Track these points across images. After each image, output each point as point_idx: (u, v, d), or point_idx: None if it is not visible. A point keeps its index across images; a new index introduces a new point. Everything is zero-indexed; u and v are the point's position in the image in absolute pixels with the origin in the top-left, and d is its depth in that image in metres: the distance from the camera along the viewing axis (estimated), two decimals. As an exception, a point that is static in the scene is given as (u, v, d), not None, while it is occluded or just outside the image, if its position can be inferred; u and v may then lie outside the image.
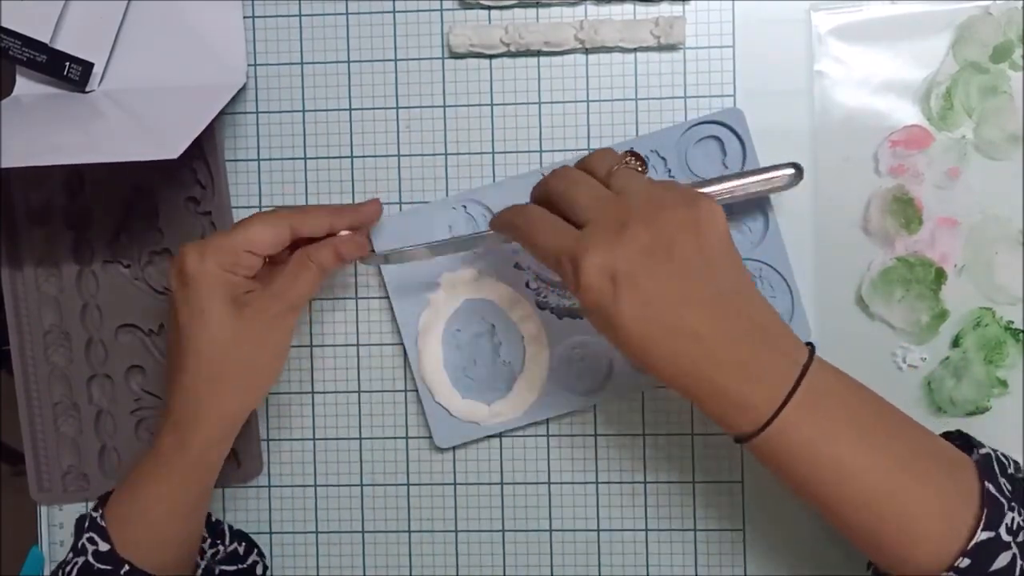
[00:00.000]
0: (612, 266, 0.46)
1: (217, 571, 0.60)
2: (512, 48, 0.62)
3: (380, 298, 0.64)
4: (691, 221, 0.47)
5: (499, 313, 0.62)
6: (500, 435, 0.63)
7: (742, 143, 0.60)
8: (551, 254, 0.48)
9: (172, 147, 0.53)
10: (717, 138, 0.61)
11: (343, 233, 0.57)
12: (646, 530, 0.63)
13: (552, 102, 0.63)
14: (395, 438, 0.64)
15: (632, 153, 0.53)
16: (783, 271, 0.61)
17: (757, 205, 0.61)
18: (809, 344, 0.49)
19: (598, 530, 0.63)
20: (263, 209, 0.64)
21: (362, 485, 0.65)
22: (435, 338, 0.62)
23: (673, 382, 0.47)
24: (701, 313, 0.46)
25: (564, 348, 0.62)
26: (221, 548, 0.61)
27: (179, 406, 0.53)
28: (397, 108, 0.63)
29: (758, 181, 0.57)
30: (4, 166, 0.54)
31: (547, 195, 0.51)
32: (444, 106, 0.63)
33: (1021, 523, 0.46)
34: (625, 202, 0.48)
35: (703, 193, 0.50)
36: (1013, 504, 0.46)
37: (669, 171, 0.61)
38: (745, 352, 0.46)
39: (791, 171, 0.58)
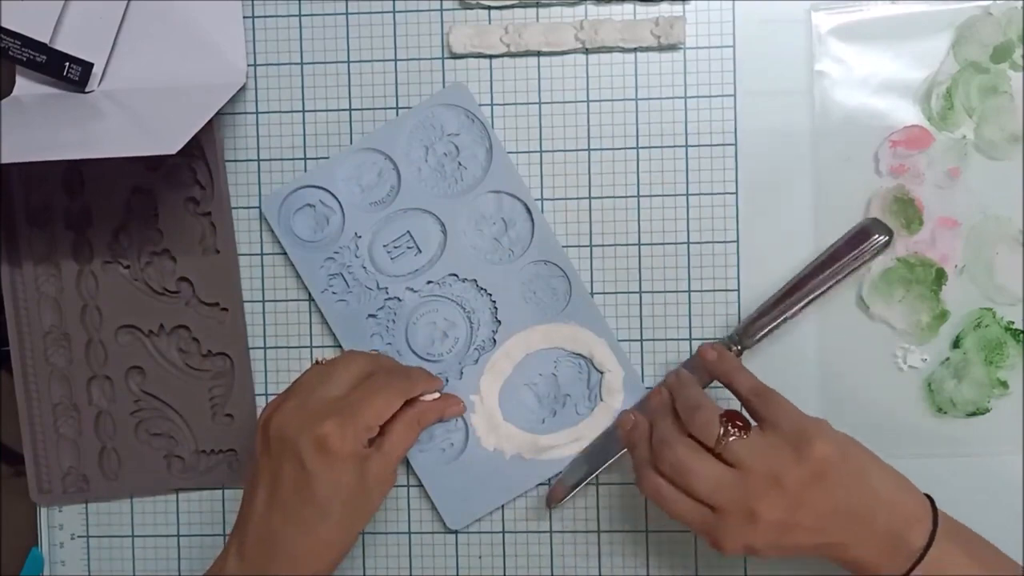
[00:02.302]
0: (751, 547, 0.51)
1: None
2: (512, 48, 0.62)
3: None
4: (813, 475, 0.51)
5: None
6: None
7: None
8: (688, 526, 0.53)
9: (171, 143, 0.53)
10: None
11: (433, 396, 0.60)
12: (646, 531, 0.63)
13: (552, 102, 0.63)
14: (395, 439, 0.64)
15: (730, 415, 0.53)
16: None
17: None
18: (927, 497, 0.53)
19: (598, 531, 0.63)
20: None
21: (362, 486, 0.65)
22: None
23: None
24: (838, 524, 0.51)
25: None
26: None
27: (277, 551, 0.54)
28: (397, 108, 0.63)
29: (853, 258, 0.59)
30: (4, 162, 0.54)
31: (661, 464, 0.53)
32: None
33: None
34: (746, 482, 0.51)
35: (812, 425, 0.52)
36: None
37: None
38: (878, 542, 0.51)
39: (885, 239, 0.59)
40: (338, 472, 0.53)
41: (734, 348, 0.59)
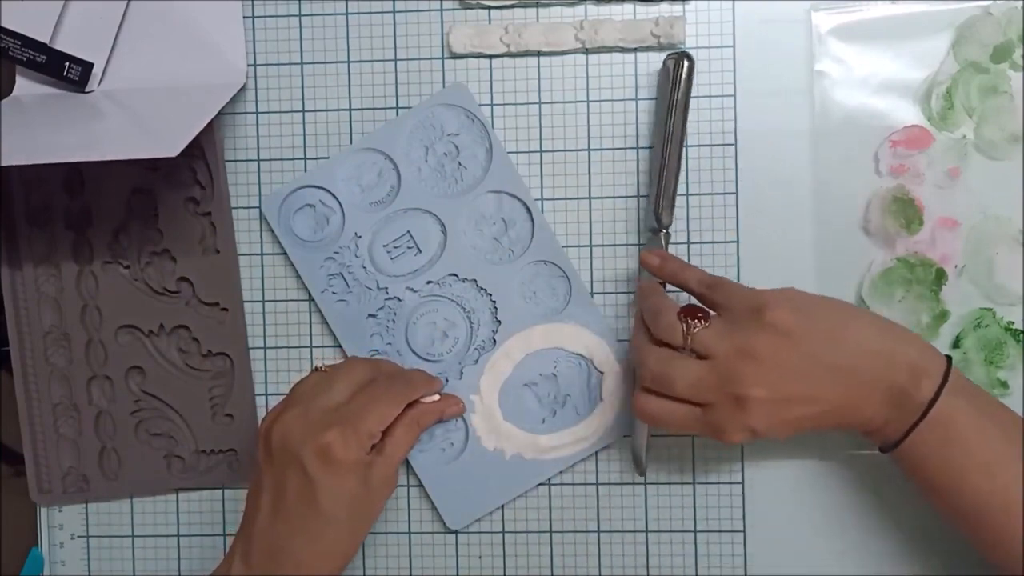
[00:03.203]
0: (754, 430, 0.51)
1: None
2: (512, 48, 0.62)
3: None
4: (778, 338, 0.51)
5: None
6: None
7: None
8: (689, 431, 0.55)
9: (171, 145, 0.53)
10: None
11: (433, 397, 0.61)
12: (646, 531, 0.63)
13: (552, 102, 0.63)
14: (395, 439, 0.64)
15: (687, 310, 0.54)
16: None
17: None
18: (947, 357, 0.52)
19: (598, 531, 0.63)
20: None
21: (362, 486, 0.65)
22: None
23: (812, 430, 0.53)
24: (826, 384, 0.51)
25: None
26: None
27: (282, 560, 0.54)
28: (397, 108, 0.63)
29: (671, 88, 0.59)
30: (4, 164, 0.54)
31: (643, 380, 0.55)
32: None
33: None
34: (720, 368, 0.52)
35: (765, 294, 0.53)
36: None
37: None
38: (879, 397, 0.51)
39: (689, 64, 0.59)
40: (342, 480, 0.54)
41: (662, 234, 0.60)
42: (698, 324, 0.52)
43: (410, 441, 0.58)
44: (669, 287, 0.58)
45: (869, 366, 0.51)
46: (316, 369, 0.59)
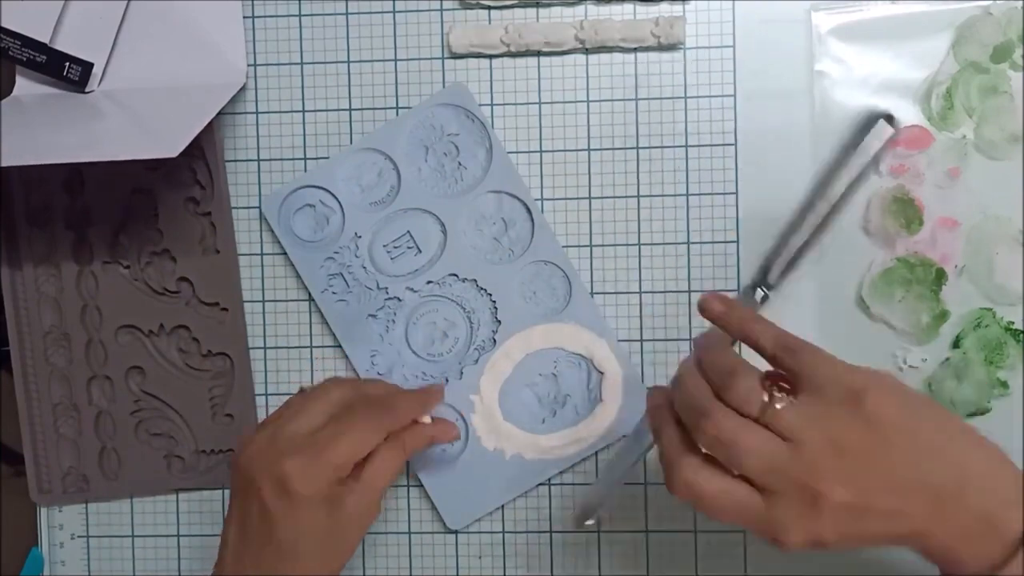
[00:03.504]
0: (819, 539, 0.43)
1: None
2: (512, 48, 0.62)
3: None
4: (875, 437, 0.42)
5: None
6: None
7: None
8: (738, 520, 0.44)
9: (172, 145, 0.53)
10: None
11: (425, 420, 0.57)
12: (646, 531, 0.63)
13: (552, 102, 0.63)
14: (395, 439, 0.64)
15: (774, 378, 0.45)
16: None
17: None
18: None
19: (598, 531, 0.63)
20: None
21: (362, 486, 0.65)
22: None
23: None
24: (917, 501, 0.43)
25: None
26: None
27: None
28: (397, 108, 0.63)
29: (861, 149, 0.47)
30: (4, 164, 0.54)
31: (700, 438, 0.45)
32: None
33: None
34: (803, 456, 0.42)
35: (865, 375, 0.44)
36: None
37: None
38: (965, 526, 0.43)
39: (890, 131, 0.47)
40: (301, 514, 0.50)
41: (760, 293, 0.49)
42: (783, 397, 0.43)
43: (393, 467, 0.54)
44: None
45: (973, 492, 0.42)
46: (301, 389, 0.57)
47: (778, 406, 0.43)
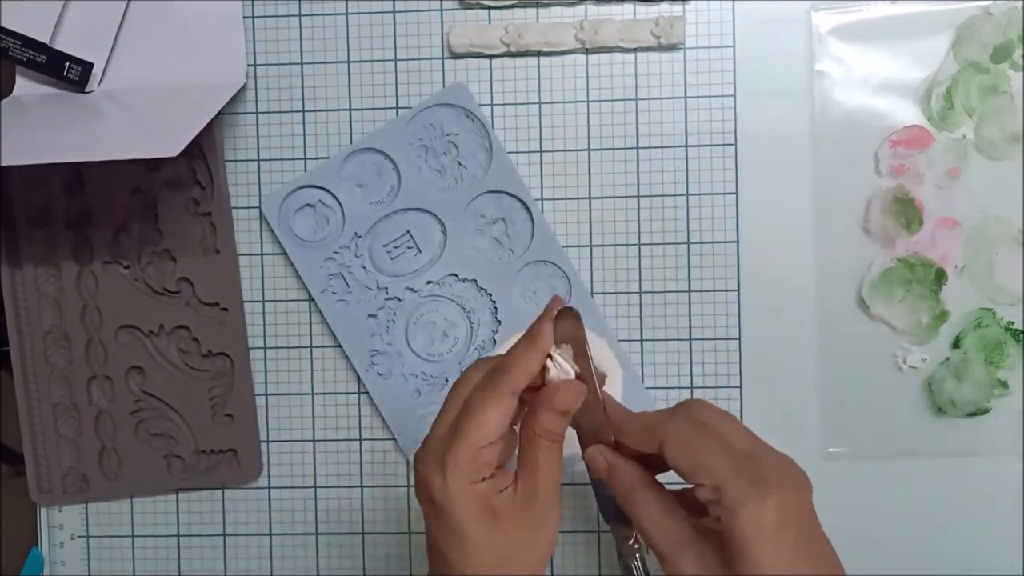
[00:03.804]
0: (795, 514, 0.43)
1: None
2: (512, 48, 0.62)
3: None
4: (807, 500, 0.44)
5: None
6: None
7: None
8: (720, 471, 0.43)
9: (171, 145, 0.53)
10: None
11: (551, 378, 0.46)
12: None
13: (552, 102, 0.63)
14: (395, 439, 0.64)
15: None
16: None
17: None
18: None
19: (599, 531, 0.63)
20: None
21: (362, 486, 0.65)
22: None
23: None
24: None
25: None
26: None
27: None
28: (397, 108, 0.63)
29: None
30: (4, 164, 0.54)
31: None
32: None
33: None
34: (775, 457, 0.45)
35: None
36: None
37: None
38: None
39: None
40: (461, 525, 0.43)
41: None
42: None
43: (548, 463, 0.45)
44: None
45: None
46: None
47: None
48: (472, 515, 0.43)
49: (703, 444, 0.43)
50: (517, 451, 0.46)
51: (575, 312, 0.47)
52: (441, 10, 0.63)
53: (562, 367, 0.46)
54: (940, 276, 0.60)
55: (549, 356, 0.45)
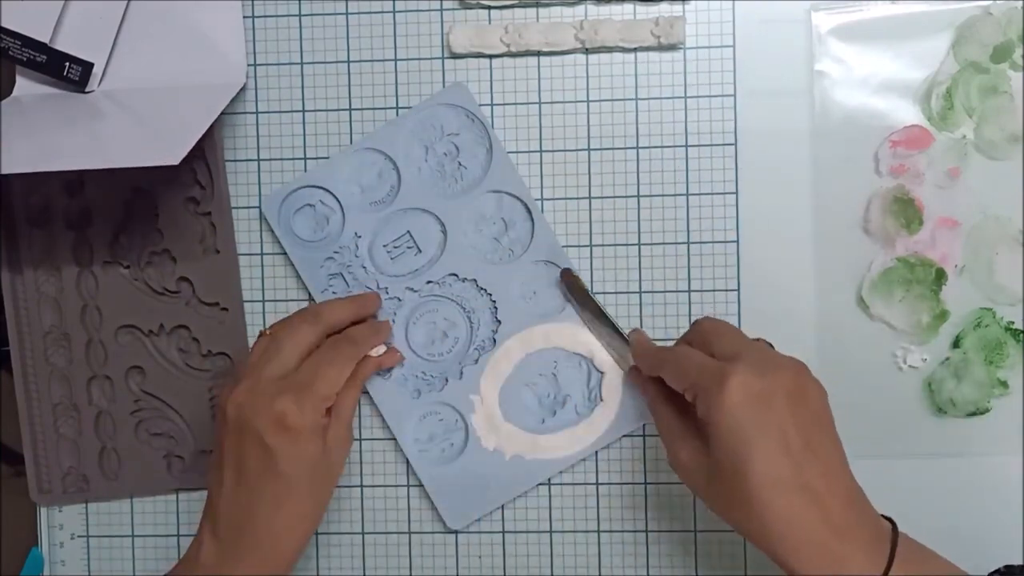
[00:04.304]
0: (758, 388, 0.48)
1: None
2: (512, 48, 0.62)
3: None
4: (813, 386, 0.51)
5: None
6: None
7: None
8: (692, 375, 0.51)
9: (173, 152, 0.53)
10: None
11: (379, 351, 0.62)
12: (646, 531, 0.63)
13: (552, 102, 0.63)
14: (395, 439, 0.64)
15: None
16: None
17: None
18: (887, 519, 0.51)
19: (598, 531, 0.63)
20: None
21: (362, 486, 0.65)
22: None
23: (782, 541, 0.48)
24: (821, 470, 0.48)
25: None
26: None
27: (249, 529, 0.55)
28: (397, 108, 0.63)
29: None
30: (4, 172, 0.54)
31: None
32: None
33: None
34: (766, 351, 0.52)
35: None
36: None
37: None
38: (852, 517, 0.48)
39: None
40: (300, 446, 0.54)
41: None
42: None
43: (355, 397, 0.59)
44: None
45: (855, 489, 0.50)
46: (262, 333, 0.59)
47: None
48: (317, 437, 0.55)
49: (687, 356, 0.52)
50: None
51: (577, 280, 0.62)
52: (441, 10, 0.63)
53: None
54: (940, 276, 0.60)
55: None
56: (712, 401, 0.48)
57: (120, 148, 0.58)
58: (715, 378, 0.49)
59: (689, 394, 0.51)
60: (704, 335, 0.53)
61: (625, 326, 0.63)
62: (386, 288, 0.63)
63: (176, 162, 0.53)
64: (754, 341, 0.53)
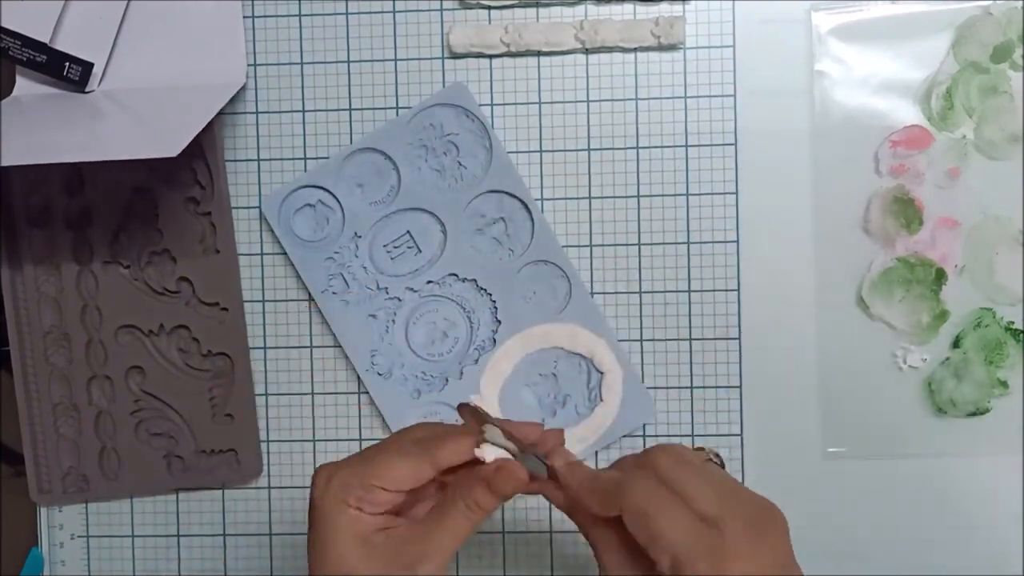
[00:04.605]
0: (764, 558, 0.41)
1: None
2: (512, 48, 0.62)
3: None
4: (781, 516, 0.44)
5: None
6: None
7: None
8: (674, 541, 0.41)
9: (172, 145, 0.53)
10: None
11: (487, 456, 0.46)
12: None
13: (552, 102, 0.63)
14: (395, 438, 0.64)
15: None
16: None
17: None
18: None
19: (598, 531, 0.63)
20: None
21: (362, 486, 0.64)
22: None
23: None
24: None
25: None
26: None
27: None
28: (397, 108, 0.63)
29: None
30: (4, 164, 0.54)
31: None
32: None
33: None
34: (740, 492, 0.44)
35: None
36: None
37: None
38: None
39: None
40: (328, 533, 0.44)
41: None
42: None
43: (456, 528, 0.45)
44: None
45: None
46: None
47: None
48: (340, 530, 0.44)
49: (662, 513, 0.42)
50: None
51: (471, 406, 0.48)
52: (441, 10, 0.63)
53: (498, 447, 0.46)
54: (940, 276, 0.60)
55: (484, 438, 0.46)
56: None
57: (119, 142, 0.58)
58: (712, 564, 0.40)
59: (665, 560, 0.41)
60: (662, 472, 0.43)
61: (625, 326, 0.63)
62: (386, 288, 0.63)
63: (175, 154, 0.53)
64: (715, 471, 0.45)
